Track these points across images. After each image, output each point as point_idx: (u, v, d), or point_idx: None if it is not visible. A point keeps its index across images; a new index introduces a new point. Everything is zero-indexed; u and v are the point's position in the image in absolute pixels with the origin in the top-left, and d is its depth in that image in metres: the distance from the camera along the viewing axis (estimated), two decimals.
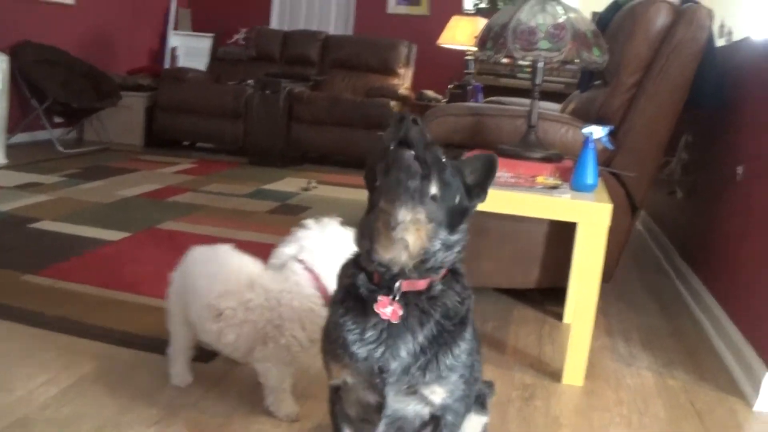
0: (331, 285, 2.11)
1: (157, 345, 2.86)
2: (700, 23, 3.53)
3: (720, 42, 3.97)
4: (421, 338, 1.63)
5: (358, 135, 8.19)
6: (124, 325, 3.09)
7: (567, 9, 3.18)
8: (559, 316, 3.71)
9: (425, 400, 1.68)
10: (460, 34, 8.01)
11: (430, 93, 8.55)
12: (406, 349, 1.62)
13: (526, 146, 3.35)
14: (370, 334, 1.63)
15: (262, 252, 2.63)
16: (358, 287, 1.66)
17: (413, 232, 1.56)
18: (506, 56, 3.23)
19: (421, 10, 10.52)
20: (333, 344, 1.69)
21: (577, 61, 3.14)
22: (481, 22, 7.75)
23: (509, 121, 3.71)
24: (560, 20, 3.12)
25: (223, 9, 11.01)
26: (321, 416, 2.48)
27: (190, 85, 8.78)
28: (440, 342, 1.65)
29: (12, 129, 7.54)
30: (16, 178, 6.04)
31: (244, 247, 2.69)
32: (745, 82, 3.79)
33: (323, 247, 2.47)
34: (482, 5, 10.18)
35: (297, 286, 2.41)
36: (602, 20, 4.27)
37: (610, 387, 2.95)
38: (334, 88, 9.05)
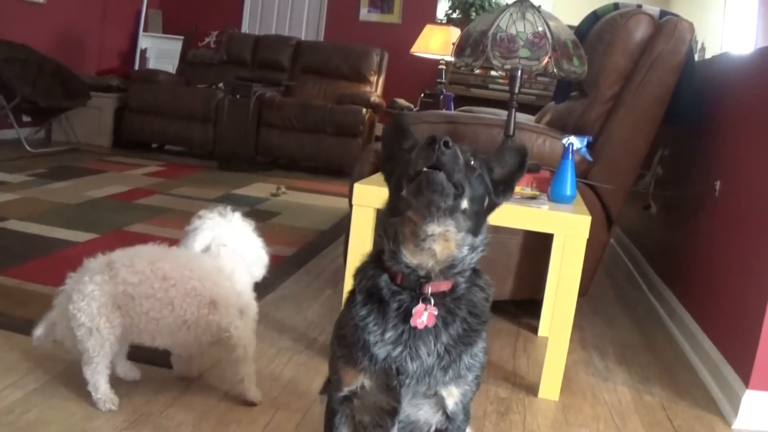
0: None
1: (130, 352, 2.79)
2: (680, 36, 3.52)
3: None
4: (445, 338, 1.61)
5: (328, 141, 8.19)
6: None
7: (547, 18, 3.14)
8: (534, 329, 3.68)
9: (441, 403, 1.65)
10: (434, 43, 8.00)
11: (401, 101, 8.52)
12: (426, 350, 1.59)
13: None
14: (389, 334, 1.60)
15: None
16: (380, 288, 1.62)
17: (441, 243, 1.55)
18: (485, 64, 3.19)
19: (393, 18, 10.55)
20: (349, 348, 1.64)
21: (556, 71, 3.10)
22: (455, 32, 7.76)
23: (485, 130, 3.67)
24: (540, 29, 3.09)
25: (194, 11, 10.97)
26: (292, 429, 2.43)
27: (160, 87, 8.72)
28: (465, 342, 1.63)
29: None
30: None
31: None
32: (723, 97, 3.78)
33: (232, 234, 2.66)
34: (455, 15, 10.19)
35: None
36: (580, 31, 4.24)
37: (586, 402, 2.91)
38: (305, 94, 9.04)
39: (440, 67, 7.99)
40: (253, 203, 6.10)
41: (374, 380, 1.63)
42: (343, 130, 8.09)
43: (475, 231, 1.59)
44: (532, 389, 2.95)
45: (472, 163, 1.56)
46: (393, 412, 1.65)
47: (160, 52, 10.89)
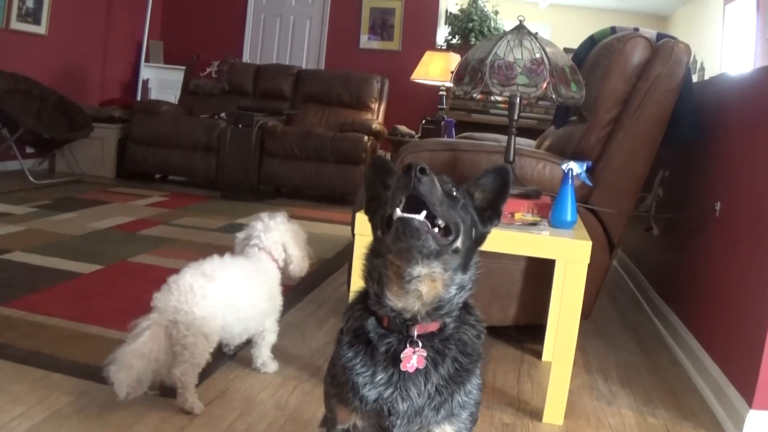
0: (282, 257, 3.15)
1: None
2: (677, 59, 3.54)
3: (693, 78, 3.98)
4: (435, 379, 1.58)
5: (330, 169, 8.20)
6: (97, 360, 3.02)
7: (544, 44, 3.17)
8: (538, 354, 3.68)
9: None
10: (434, 69, 8.04)
11: (403, 128, 8.55)
12: (417, 391, 1.57)
13: None
14: (380, 377, 1.58)
15: None
16: (367, 331, 1.60)
17: (428, 283, 1.52)
18: (483, 91, 3.21)
19: (393, 45, 10.59)
20: (340, 388, 1.63)
21: (554, 96, 3.12)
22: (454, 58, 7.80)
23: (486, 156, 3.69)
24: (537, 55, 3.11)
25: (195, 41, 11.03)
26: None
27: (162, 117, 8.74)
28: (456, 381, 1.60)
29: None
30: None
31: None
32: (722, 118, 3.80)
33: (273, 232, 3.16)
34: (454, 41, 10.24)
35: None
36: (578, 56, 4.26)
37: (590, 426, 2.91)
38: (307, 123, 9.06)
39: (441, 93, 8.03)
40: None
41: (366, 420, 1.61)
42: (345, 158, 8.11)
43: (464, 268, 1.57)
44: (537, 414, 2.96)
45: (454, 193, 1.55)
46: None
47: (162, 82, 10.94)
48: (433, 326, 1.59)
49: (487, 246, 2.83)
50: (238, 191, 8.04)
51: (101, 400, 2.68)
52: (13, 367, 2.89)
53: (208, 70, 9.64)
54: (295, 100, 9.44)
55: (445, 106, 8.15)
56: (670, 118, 3.63)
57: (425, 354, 1.56)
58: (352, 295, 1.73)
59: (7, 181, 7.56)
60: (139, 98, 10.44)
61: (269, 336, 3.12)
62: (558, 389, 2.86)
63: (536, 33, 3.22)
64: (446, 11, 10.95)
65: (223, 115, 8.72)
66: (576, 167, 2.99)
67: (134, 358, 2.53)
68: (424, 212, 1.43)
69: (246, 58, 11.19)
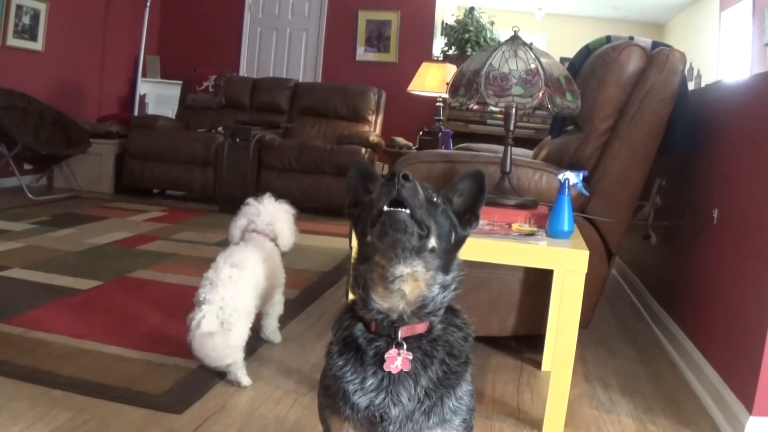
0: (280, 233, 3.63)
1: (132, 397, 2.81)
2: (672, 67, 3.54)
3: (689, 85, 3.98)
4: (424, 382, 1.60)
5: (328, 182, 8.20)
6: (97, 376, 3.03)
7: (539, 54, 3.18)
8: (537, 364, 3.68)
9: None
10: (430, 81, 8.03)
11: (400, 140, 8.55)
12: (407, 395, 1.59)
13: (501, 193, 3.33)
14: (370, 382, 1.60)
15: None
16: (356, 337, 1.63)
17: (411, 283, 1.56)
18: (479, 102, 3.22)
19: (390, 57, 10.62)
20: (332, 398, 1.65)
21: (550, 106, 3.13)
22: (451, 69, 7.80)
23: (482, 167, 3.68)
24: (532, 66, 3.12)
25: (191, 56, 11.05)
26: None
27: (159, 132, 8.76)
28: (445, 384, 1.62)
29: None
30: None
31: None
32: (718, 125, 3.80)
33: (263, 214, 3.62)
34: (451, 52, 10.26)
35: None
36: (573, 65, 4.27)
37: None
38: (304, 136, 9.07)
39: (438, 104, 8.03)
40: None
41: (359, 429, 1.63)
42: (343, 171, 8.08)
43: (445, 269, 1.61)
44: (537, 424, 2.95)
45: (435, 199, 1.59)
46: None
47: (159, 97, 10.96)
48: (421, 327, 1.62)
49: (485, 257, 2.86)
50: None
51: (101, 416, 2.68)
52: (12, 384, 2.89)
53: (205, 84, 9.65)
54: (292, 113, 9.45)
55: (442, 117, 8.15)
56: (667, 126, 3.64)
57: (410, 357, 1.59)
58: (340, 307, 1.75)
59: (6, 198, 7.57)
60: (136, 113, 10.45)
61: (278, 307, 3.63)
62: (557, 399, 2.86)
63: (531, 43, 3.23)
64: (442, 22, 10.98)
65: (220, 129, 8.72)
66: (572, 177, 2.99)
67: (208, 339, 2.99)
68: (409, 210, 1.48)
69: (243, 71, 11.22)
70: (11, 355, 3.19)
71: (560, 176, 2.99)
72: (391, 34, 10.68)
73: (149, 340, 3.50)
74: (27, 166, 8.51)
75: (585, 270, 2.76)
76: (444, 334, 1.65)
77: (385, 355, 1.59)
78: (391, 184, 1.47)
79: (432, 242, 1.54)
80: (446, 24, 10.90)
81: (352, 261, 1.69)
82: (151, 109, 10.83)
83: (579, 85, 3.42)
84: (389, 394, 1.59)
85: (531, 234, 2.93)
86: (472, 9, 10.60)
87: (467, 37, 10.24)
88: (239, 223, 3.68)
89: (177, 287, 4.44)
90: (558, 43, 12.10)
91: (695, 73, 10.64)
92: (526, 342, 3.91)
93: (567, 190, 2.96)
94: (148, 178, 8.75)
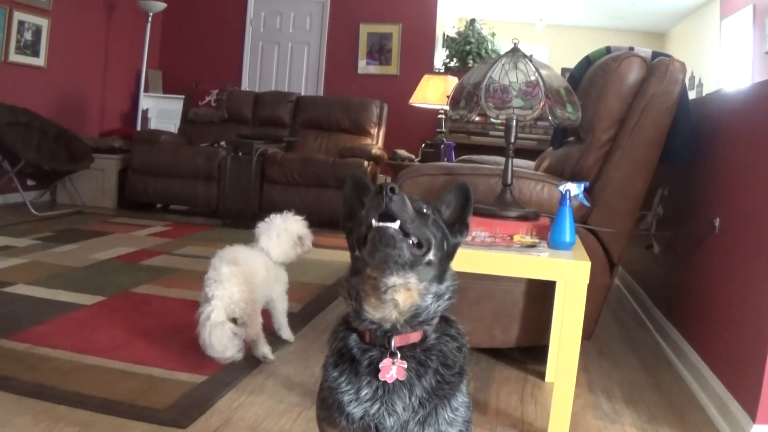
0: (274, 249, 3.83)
1: (137, 412, 2.82)
2: (672, 77, 3.55)
3: (691, 94, 3.98)
4: (419, 391, 1.61)
5: (331, 195, 8.21)
6: (102, 391, 3.03)
7: (539, 66, 3.19)
8: (541, 375, 3.68)
9: None
10: (432, 93, 8.05)
11: (402, 152, 8.56)
12: (402, 405, 1.60)
13: (502, 205, 3.33)
14: (365, 392, 1.61)
15: None
16: (350, 348, 1.65)
17: (403, 293, 1.57)
18: (479, 115, 3.23)
19: (391, 69, 10.65)
20: (329, 410, 1.66)
21: (550, 118, 3.14)
22: (452, 81, 7.81)
23: (484, 179, 3.70)
24: (532, 78, 3.13)
25: (193, 70, 11.07)
26: None
27: (162, 147, 8.78)
28: (440, 394, 1.63)
29: None
30: None
31: None
32: (720, 134, 3.81)
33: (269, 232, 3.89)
34: (452, 64, 10.27)
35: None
36: (574, 77, 4.28)
37: None
38: (307, 149, 9.09)
39: (440, 116, 8.05)
40: None
41: None
42: None
43: (439, 278, 1.62)
44: None
45: (425, 210, 1.61)
46: None
47: (162, 112, 10.98)
48: (415, 337, 1.63)
49: (487, 269, 2.86)
50: (239, 219, 8.05)
51: (106, 431, 2.69)
52: (17, 400, 2.89)
53: (207, 98, 9.67)
54: (294, 126, 9.46)
55: (444, 130, 8.16)
56: (667, 136, 3.64)
57: (405, 365, 1.60)
58: (335, 321, 1.76)
59: (9, 214, 7.58)
60: (138, 128, 10.46)
61: (280, 304, 3.87)
62: (561, 409, 2.86)
63: (531, 55, 3.25)
64: (443, 34, 11.00)
65: (223, 143, 8.75)
66: (574, 188, 3.00)
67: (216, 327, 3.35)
68: (398, 222, 1.49)
69: (245, 85, 11.25)
70: (15, 370, 3.19)
71: (561, 187, 3.00)
72: (392, 46, 10.71)
73: (153, 354, 3.51)
74: (30, 182, 8.54)
75: (587, 281, 2.76)
76: (438, 344, 1.66)
77: (380, 365, 1.60)
78: (380, 197, 1.49)
79: (429, 256, 1.56)
80: (447, 36, 10.92)
81: (344, 275, 1.70)
82: (154, 124, 10.85)
83: (580, 96, 3.43)
84: (384, 404, 1.60)
85: (533, 245, 2.93)
86: (473, 21, 10.62)
87: (468, 49, 10.26)
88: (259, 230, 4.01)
89: (181, 302, 4.45)
90: (559, 53, 12.11)
91: (696, 81, 10.65)
92: (530, 353, 3.90)
93: (568, 201, 2.96)
94: (151, 193, 8.77)
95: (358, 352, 1.64)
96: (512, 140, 3.33)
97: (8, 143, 7.56)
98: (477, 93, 3.17)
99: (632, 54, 3.71)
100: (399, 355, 1.60)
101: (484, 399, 3.33)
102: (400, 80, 10.41)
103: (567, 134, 4.39)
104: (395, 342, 1.61)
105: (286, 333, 3.90)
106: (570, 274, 2.80)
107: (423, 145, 8.02)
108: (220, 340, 3.32)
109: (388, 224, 1.48)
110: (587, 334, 3.56)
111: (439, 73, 9.38)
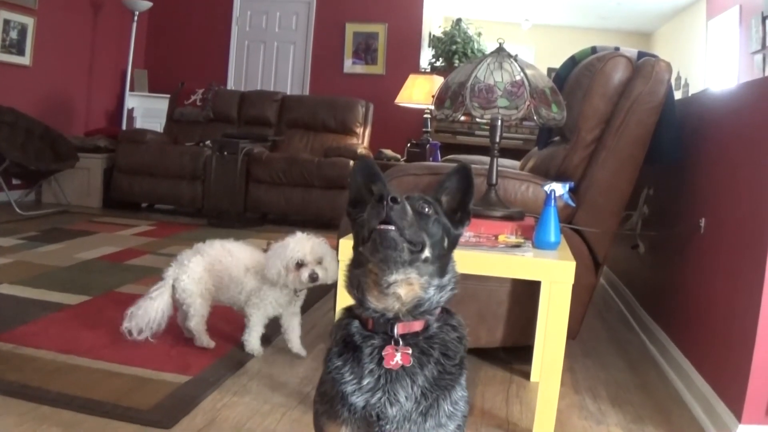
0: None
1: (121, 413, 2.80)
2: (658, 77, 3.55)
3: (677, 94, 3.99)
4: (421, 380, 1.62)
5: (317, 195, 8.22)
6: (86, 391, 3.02)
7: (524, 66, 3.19)
8: (527, 375, 3.68)
9: None
10: (417, 93, 8.06)
11: (388, 152, 8.57)
12: (404, 394, 1.60)
13: (487, 205, 3.33)
14: (367, 381, 1.62)
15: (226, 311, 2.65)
16: (352, 335, 1.65)
17: (405, 287, 1.59)
18: (465, 114, 3.22)
19: (377, 69, 10.65)
20: (329, 403, 1.66)
21: (535, 118, 3.14)
22: (438, 80, 7.82)
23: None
24: (518, 78, 3.13)
25: (179, 70, 11.05)
26: None
27: (147, 146, 8.77)
28: (441, 385, 1.64)
29: None
30: None
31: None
32: (705, 134, 3.81)
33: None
34: (438, 64, 10.27)
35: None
36: (559, 77, 4.28)
37: None
38: (292, 148, 9.08)
39: (425, 116, 8.06)
40: None
41: (356, 431, 1.63)
42: (331, 183, 8.13)
43: (440, 272, 1.63)
44: None
45: (426, 210, 1.61)
46: None
47: (147, 111, 10.94)
48: (417, 325, 1.64)
49: (472, 269, 2.86)
50: (224, 218, 8.04)
51: (90, 431, 2.68)
52: (0, 401, 2.87)
53: (193, 98, 9.65)
54: (280, 126, 9.46)
55: (430, 129, 8.18)
56: (653, 137, 3.64)
57: (410, 351, 1.61)
58: (337, 312, 1.77)
59: None
60: (124, 127, 10.42)
61: (290, 320, 3.78)
62: (546, 410, 2.86)
63: (516, 55, 3.25)
64: (429, 34, 11.00)
65: (208, 142, 8.74)
66: (559, 188, 3.00)
67: (148, 309, 3.53)
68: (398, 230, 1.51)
69: (230, 85, 11.24)
70: (0, 371, 3.18)
71: (546, 187, 3.00)
72: (378, 46, 10.71)
73: (138, 355, 3.49)
74: (15, 182, 8.50)
75: (572, 281, 2.77)
76: (440, 333, 1.67)
77: (383, 353, 1.61)
78: (381, 206, 1.50)
79: (425, 254, 1.57)
80: (433, 36, 10.92)
81: (345, 264, 1.70)
82: (139, 123, 10.82)
83: (565, 96, 3.43)
84: (386, 392, 1.60)
85: (518, 245, 2.93)
86: (459, 20, 10.62)
87: (454, 49, 10.25)
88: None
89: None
90: (545, 53, 12.17)
91: (682, 82, 10.68)
92: (515, 353, 3.90)
93: (553, 201, 2.96)
94: (137, 193, 8.76)
95: (360, 338, 1.64)
96: (497, 140, 3.32)
97: None
98: (462, 92, 3.17)
99: (618, 54, 3.71)
100: (401, 343, 1.61)
101: (470, 399, 3.31)
102: (386, 80, 10.42)
103: (552, 134, 4.39)
104: (398, 329, 1.62)
105: (297, 349, 3.75)
106: (555, 274, 2.80)
107: (409, 144, 8.04)
108: (147, 312, 3.53)
109: (389, 227, 1.50)
110: (572, 334, 3.56)
111: (425, 73, 9.38)
